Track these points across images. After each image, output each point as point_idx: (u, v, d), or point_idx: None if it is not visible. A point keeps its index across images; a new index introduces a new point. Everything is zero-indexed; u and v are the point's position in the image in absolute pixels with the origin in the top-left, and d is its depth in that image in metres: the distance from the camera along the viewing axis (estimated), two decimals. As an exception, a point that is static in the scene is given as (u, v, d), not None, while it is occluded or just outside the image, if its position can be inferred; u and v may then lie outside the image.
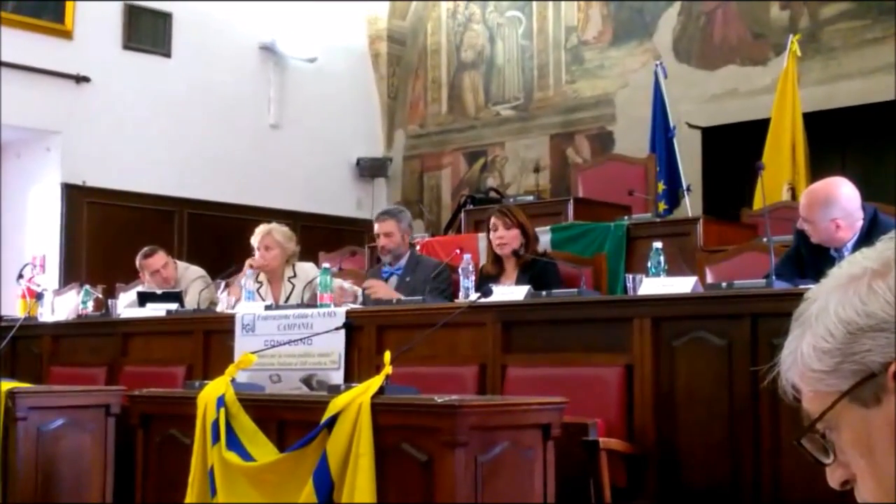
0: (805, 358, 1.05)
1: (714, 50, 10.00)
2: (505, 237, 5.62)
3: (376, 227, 6.35)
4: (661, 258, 4.73)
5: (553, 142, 11.18)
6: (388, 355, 3.74)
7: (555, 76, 11.20)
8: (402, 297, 5.68)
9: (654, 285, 4.56)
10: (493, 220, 5.71)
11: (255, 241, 6.58)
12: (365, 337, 5.22)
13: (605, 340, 4.52)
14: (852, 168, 8.00)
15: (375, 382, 3.68)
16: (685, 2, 10.23)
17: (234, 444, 3.98)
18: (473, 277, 5.29)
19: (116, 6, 10.24)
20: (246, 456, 3.94)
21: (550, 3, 11.25)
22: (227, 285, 6.66)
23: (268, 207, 10.59)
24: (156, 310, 6.51)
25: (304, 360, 5.31)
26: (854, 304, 1.02)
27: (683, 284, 4.51)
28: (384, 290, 5.96)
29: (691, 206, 8.16)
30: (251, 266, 6.41)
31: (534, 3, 11.39)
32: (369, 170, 12.19)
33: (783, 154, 8.03)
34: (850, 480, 1.04)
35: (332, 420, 3.62)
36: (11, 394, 4.87)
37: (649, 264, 4.75)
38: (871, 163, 8.91)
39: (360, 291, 5.91)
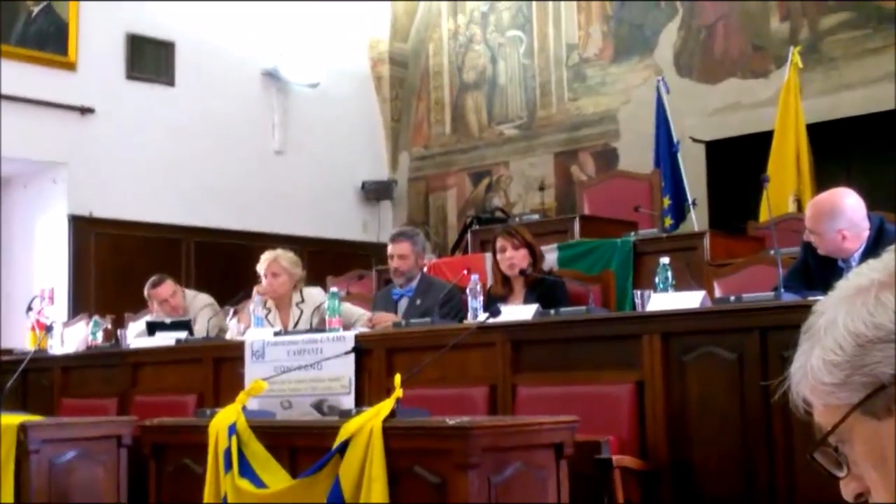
0: (815, 371, 1.04)
1: (715, 64, 10.01)
2: (514, 257, 5.62)
3: (390, 248, 6.32)
4: (669, 273, 4.73)
5: (557, 160, 11.19)
6: (398, 378, 3.74)
7: (557, 94, 11.22)
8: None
9: (662, 301, 4.56)
10: (499, 241, 5.70)
11: (261, 268, 6.58)
12: (374, 360, 5.22)
13: (616, 357, 4.52)
14: (857, 178, 7.99)
15: (386, 406, 3.68)
16: (685, 16, 10.25)
17: (247, 471, 3.98)
18: (482, 298, 5.29)
19: (119, 37, 10.29)
20: (259, 483, 3.94)
21: (551, 22, 11.28)
22: (235, 312, 6.67)
23: (274, 233, 10.60)
24: (165, 339, 6.52)
25: (314, 386, 5.31)
26: (862, 316, 1.01)
27: (692, 299, 4.50)
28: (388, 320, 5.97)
29: (697, 220, 8.15)
30: (259, 293, 6.41)
31: (534, 22, 11.42)
32: (375, 193, 12.20)
33: (788, 166, 8.02)
34: (864, 493, 1.04)
35: (344, 445, 3.62)
36: (23, 427, 4.87)
37: (657, 280, 4.75)
38: (875, 172, 8.89)
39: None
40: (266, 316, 6.42)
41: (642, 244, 6.81)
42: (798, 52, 8.34)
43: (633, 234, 7.05)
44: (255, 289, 6.46)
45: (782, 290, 4.28)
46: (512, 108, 11.63)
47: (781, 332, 3.94)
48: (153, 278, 7.56)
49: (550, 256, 6.56)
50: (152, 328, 6.81)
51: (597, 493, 4.04)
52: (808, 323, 1.07)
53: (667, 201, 8.10)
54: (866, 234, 4.57)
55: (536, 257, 5.68)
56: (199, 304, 7.57)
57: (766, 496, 4.03)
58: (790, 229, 5.82)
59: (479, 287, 5.29)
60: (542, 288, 5.51)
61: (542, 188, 11.06)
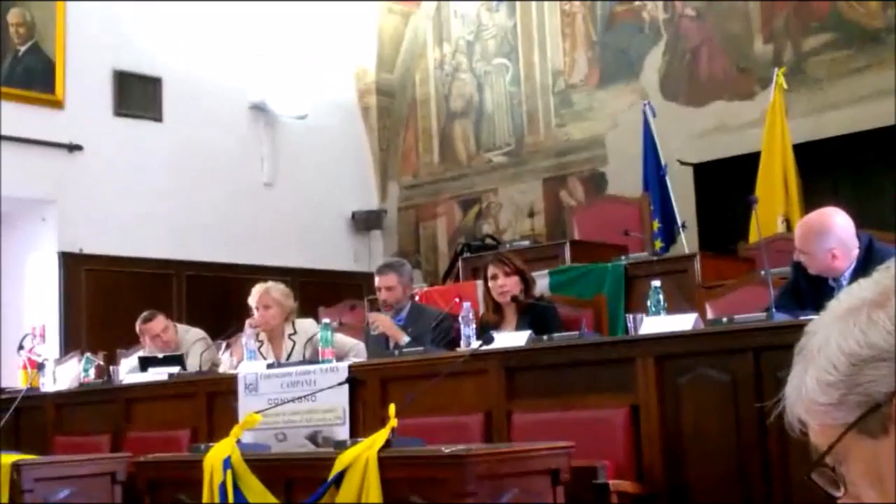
0: (810, 392, 1.05)
1: (700, 86, 10.06)
2: (506, 284, 5.62)
3: (377, 280, 6.36)
4: (661, 296, 4.73)
5: (546, 185, 11.21)
6: (392, 408, 3.74)
7: (544, 120, 11.26)
8: (407, 338, 5.85)
9: (655, 324, 4.56)
10: (491, 268, 5.71)
11: (252, 300, 6.57)
12: (368, 390, 5.21)
13: (610, 381, 4.51)
14: (845, 197, 8.01)
15: (381, 436, 3.67)
16: (669, 41, 10.30)
17: (243, 505, 3.96)
18: (474, 325, 5.28)
19: (106, 73, 10.31)
20: (255, 517, 3.92)
21: (536, 49, 11.34)
22: (228, 346, 6.65)
23: (265, 265, 10.59)
24: (158, 374, 6.50)
25: (308, 417, 5.29)
26: (855, 336, 1.02)
27: (684, 322, 4.51)
28: (388, 324, 6.01)
29: (687, 242, 8.17)
30: (251, 325, 6.40)
31: (520, 50, 11.48)
32: (365, 222, 12.21)
33: (776, 186, 8.05)
34: (861, 512, 1.04)
35: (340, 476, 3.61)
36: (17, 466, 4.85)
37: (649, 303, 4.76)
38: (863, 191, 8.93)
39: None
40: (259, 348, 6.42)
41: (633, 268, 6.82)
42: (783, 74, 8.39)
43: (623, 257, 7.06)
44: (248, 321, 6.45)
45: (774, 310, 4.29)
46: (499, 136, 11.67)
47: (775, 352, 3.95)
48: (145, 314, 7.55)
49: (542, 282, 6.56)
50: (145, 364, 6.79)
51: (594, 519, 4.03)
52: (801, 343, 1.08)
53: (656, 224, 8.12)
54: (856, 252, 4.58)
55: (528, 283, 5.68)
56: (192, 339, 7.55)
57: (763, 517, 4.02)
58: (780, 249, 5.83)
59: (471, 315, 5.29)
60: (533, 314, 5.51)
61: (531, 214, 11.08)
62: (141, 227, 10.26)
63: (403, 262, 6.79)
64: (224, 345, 6.72)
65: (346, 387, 5.13)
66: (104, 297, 9.93)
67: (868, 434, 1.00)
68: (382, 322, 6.06)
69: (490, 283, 5.69)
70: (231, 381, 5.77)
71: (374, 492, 3.52)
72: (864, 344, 1.01)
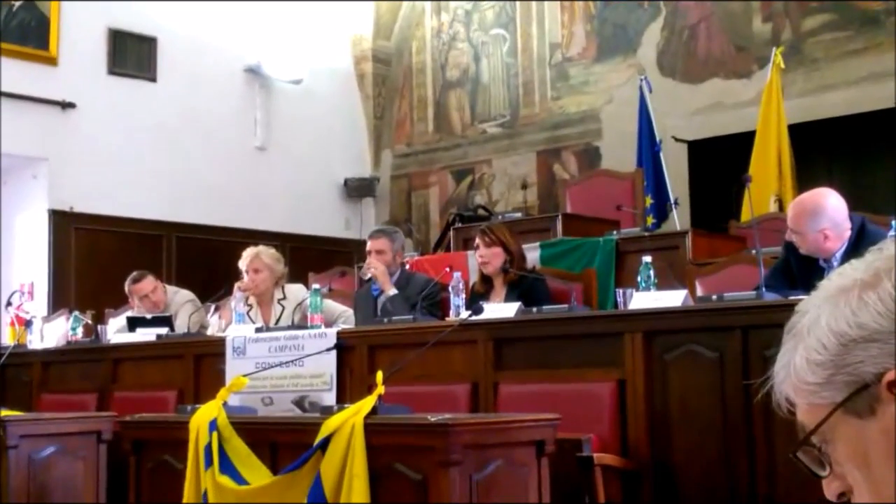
0: (798, 370, 1.05)
1: (698, 64, 10.04)
2: (486, 255, 5.64)
3: (369, 244, 6.31)
4: (651, 272, 4.74)
5: (540, 158, 11.19)
6: (380, 375, 3.74)
7: (540, 93, 11.23)
8: (395, 290, 5.96)
9: (644, 299, 4.57)
10: (476, 240, 5.76)
11: (243, 264, 6.56)
12: (356, 357, 5.22)
13: (597, 355, 4.52)
14: (839, 178, 8.03)
15: (368, 403, 3.67)
16: (668, 16, 10.27)
17: (228, 467, 3.96)
18: (464, 295, 5.29)
19: (101, 32, 10.24)
20: (239, 479, 3.93)
21: (534, 21, 11.29)
22: (217, 309, 6.65)
23: (256, 230, 10.57)
24: (146, 335, 6.50)
25: (295, 382, 5.30)
26: (846, 316, 1.02)
27: (674, 298, 4.51)
28: (382, 270, 6.02)
29: (679, 219, 8.17)
30: (241, 289, 6.40)
31: (517, 21, 11.43)
32: (357, 190, 12.19)
33: (769, 166, 8.05)
34: (846, 492, 1.04)
35: (326, 441, 3.61)
36: (2, 422, 4.85)
37: (639, 278, 4.76)
38: (857, 173, 8.94)
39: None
40: (247, 312, 6.41)
41: (624, 243, 6.82)
42: (780, 53, 8.36)
43: (615, 232, 7.06)
44: (237, 285, 6.44)
45: (764, 289, 4.30)
46: (495, 107, 11.64)
47: (763, 331, 3.96)
48: (134, 274, 7.54)
49: (533, 254, 6.57)
50: (133, 324, 6.79)
51: (578, 492, 4.05)
52: (791, 322, 1.08)
53: (649, 200, 8.12)
54: (848, 234, 4.59)
55: (514, 256, 5.68)
56: (181, 300, 7.55)
57: (746, 494, 4.04)
58: (772, 229, 5.84)
59: (461, 285, 5.30)
60: (522, 286, 5.52)
61: (524, 186, 11.07)
62: (132, 187, 10.22)
63: (397, 230, 6.79)
64: (213, 307, 6.72)
65: (333, 353, 5.14)
66: (94, 256, 9.91)
67: (855, 414, 1.00)
68: (378, 267, 6.04)
69: (475, 253, 5.73)
70: (219, 343, 5.77)
71: (359, 458, 3.52)
72: (854, 324, 1.01)
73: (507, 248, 5.66)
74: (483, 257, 5.64)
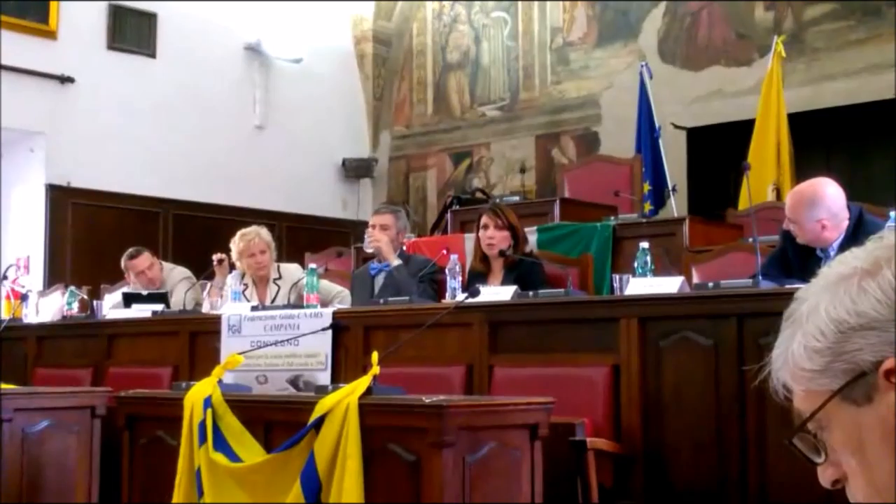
0: (796, 357, 1.05)
1: (699, 51, 10.03)
2: (495, 237, 5.59)
3: (373, 219, 6.25)
4: (648, 258, 4.74)
5: (539, 142, 11.19)
6: (375, 356, 3.74)
7: (540, 77, 11.22)
8: (399, 261, 5.91)
9: (640, 285, 4.57)
10: (484, 218, 5.66)
11: (243, 246, 6.51)
12: (352, 337, 5.22)
13: (592, 340, 4.53)
14: (837, 168, 8.02)
15: (363, 383, 3.68)
16: (670, 3, 10.25)
17: (222, 444, 3.97)
18: (460, 278, 5.28)
19: (101, 6, 10.21)
20: (233, 457, 3.94)
21: (536, 4, 11.26)
22: (212, 286, 6.65)
23: (253, 208, 10.57)
24: (141, 311, 6.50)
25: (290, 361, 5.30)
26: (845, 304, 1.02)
27: (670, 284, 4.52)
28: (385, 241, 5.97)
29: (677, 206, 8.18)
30: (247, 271, 6.39)
31: (519, 4, 11.40)
32: (355, 171, 12.18)
33: (768, 154, 8.05)
34: (841, 479, 1.04)
35: (320, 421, 3.62)
36: (-4, 395, 4.85)
37: (636, 264, 4.76)
38: (855, 163, 8.95)
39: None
40: (243, 292, 6.41)
41: (622, 229, 6.81)
42: (782, 42, 8.36)
43: (612, 218, 7.05)
44: (242, 267, 6.45)
45: (760, 277, 4.30)
46: (494, 90, 11.62)
47: (758, 319, 3.97)
48: (130, 250, 7.54)
49: (530, 239, 6.56)
50: (129, 300, 6.79)
51: (570, 475, 4.06)
52: (790, 309, 1.08)
53: (647, 187, 8.13)
54: (846, 224, 4.59)
55: (519, 240, 5.65)
56: (177, 277, 7.55)
57: (737, 480, 4.05)
58: (769, 217, 5.84)
59: (458, 267, 5.29)
60: (520, 269, 5.50)
61: (522, 170, 11.06)
62: (130, 163, 10.21)
63: (401, 210, 6.76)
64: (209, 285, 6.71)
65: (329, 332, 5.14)
66: (90, 231, 9.91)
67: (852, 402, 1.01)
68: (381, 238, 6.00)
69: (480, 233, 5.66)
70: (214, 321, 5.77)
71: (353, 438, 3.53)
72: (853, 312, 1.01)
73: (515, 231, 5.63)
74: (492, 238, 5.58)
